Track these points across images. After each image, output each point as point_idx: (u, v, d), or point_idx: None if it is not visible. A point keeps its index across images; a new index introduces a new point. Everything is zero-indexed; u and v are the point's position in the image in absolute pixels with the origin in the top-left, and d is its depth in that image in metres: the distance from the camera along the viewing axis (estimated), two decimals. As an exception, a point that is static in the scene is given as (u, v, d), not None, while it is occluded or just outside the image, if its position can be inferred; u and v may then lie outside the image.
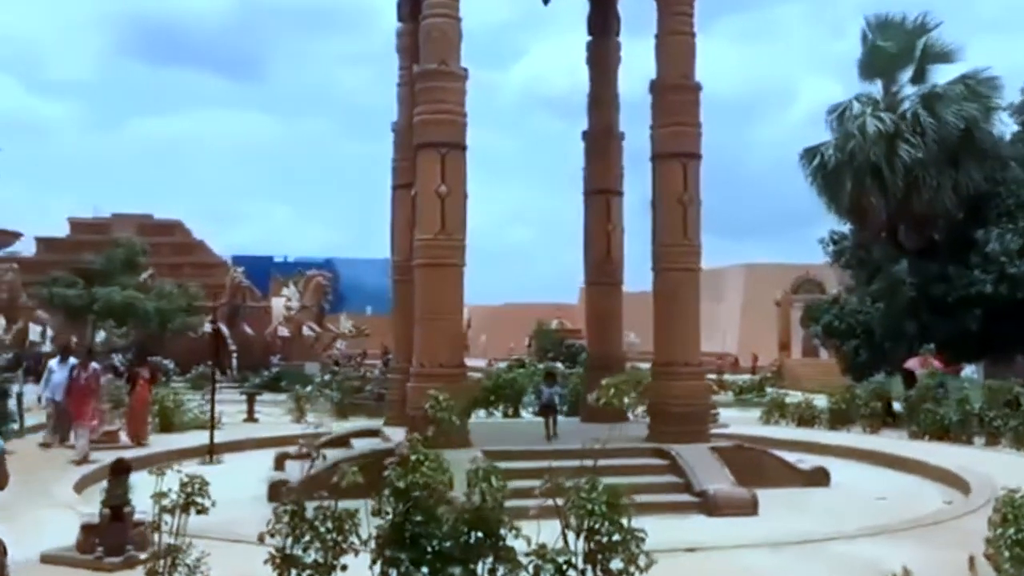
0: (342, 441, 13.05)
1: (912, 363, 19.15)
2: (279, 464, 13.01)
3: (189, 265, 47.68)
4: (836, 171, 22.47)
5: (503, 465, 9.83)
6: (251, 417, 20.29)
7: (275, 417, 20.27)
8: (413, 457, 5.15)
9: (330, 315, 44.85)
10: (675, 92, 12.32)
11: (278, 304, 40.81)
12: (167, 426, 16.60)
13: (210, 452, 13.42)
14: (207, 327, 39.29)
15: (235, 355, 36.30)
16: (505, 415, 19.91)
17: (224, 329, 40.23)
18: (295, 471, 10.70)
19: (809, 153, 23.29)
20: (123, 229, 48.16)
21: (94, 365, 14.45)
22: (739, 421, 19.21)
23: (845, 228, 25.44)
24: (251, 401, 20.72)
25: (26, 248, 47.87)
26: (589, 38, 15.24)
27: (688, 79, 12.36)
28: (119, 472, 7.69)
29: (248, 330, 40.61)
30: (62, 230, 48.86)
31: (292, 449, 12.84)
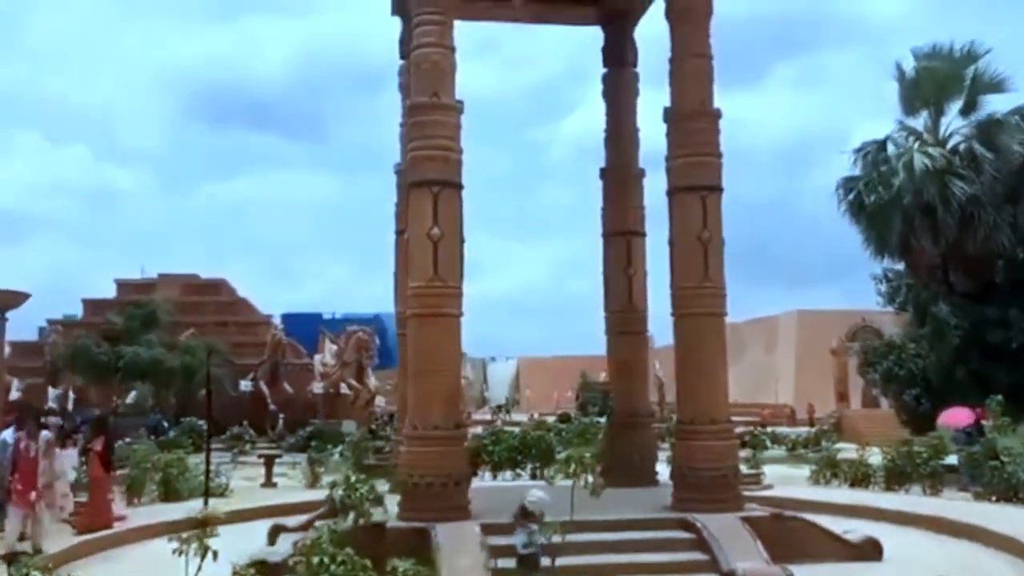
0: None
1: (954, 415, 17.58)
2: (272, 538, 11.94)
3: (233, 323, 47.41)
4: (882, 209, 21.11)
5: (503, 542, 8.89)
6: (269, 482, 19.36)
7: (297, 481, 19.29)
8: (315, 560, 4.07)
9: (377, 371, 44.14)
10: (692, 120, 11.23)
11: (320, 361, 40.24)
12: (172, 495, 15.63)
13: (200, 525, 12.36)
14: (245, 386, 38.99)
15: (281, 416, 35.58)
16: (533, 475, 18.64)
17: (264, 388, 39.91)
18: (287, 546, 9.71)
19: (847, 183, 21.96)
20: (168, 289, 48.31)
21: (45, 433, 11.92)
22: (787, 481, 17.66)
23: (901, 266, 23.97)
24: (269, 464, 19.80)
25: (76, 310, 48.44)
26: (604, 70, 14.32)
27: (706, 105, 11.27)
28: None
29: (288, 388, 40.09)
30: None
31: (292, 520, 11.87)
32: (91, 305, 45.01)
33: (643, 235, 13.87)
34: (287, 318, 61.57)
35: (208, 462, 13.73)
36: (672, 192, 11.38)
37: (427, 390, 10.30)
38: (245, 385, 37.97)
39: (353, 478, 7.67)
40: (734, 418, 11.65)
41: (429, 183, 10.43)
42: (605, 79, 14.33)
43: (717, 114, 11.41)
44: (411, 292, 10.49)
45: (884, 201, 21.43)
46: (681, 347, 11.20)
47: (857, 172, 22.93)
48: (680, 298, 11.17)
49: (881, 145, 22.84)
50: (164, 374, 28.92)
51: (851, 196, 22.82)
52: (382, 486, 13.18)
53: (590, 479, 5.98)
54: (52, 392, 32.89)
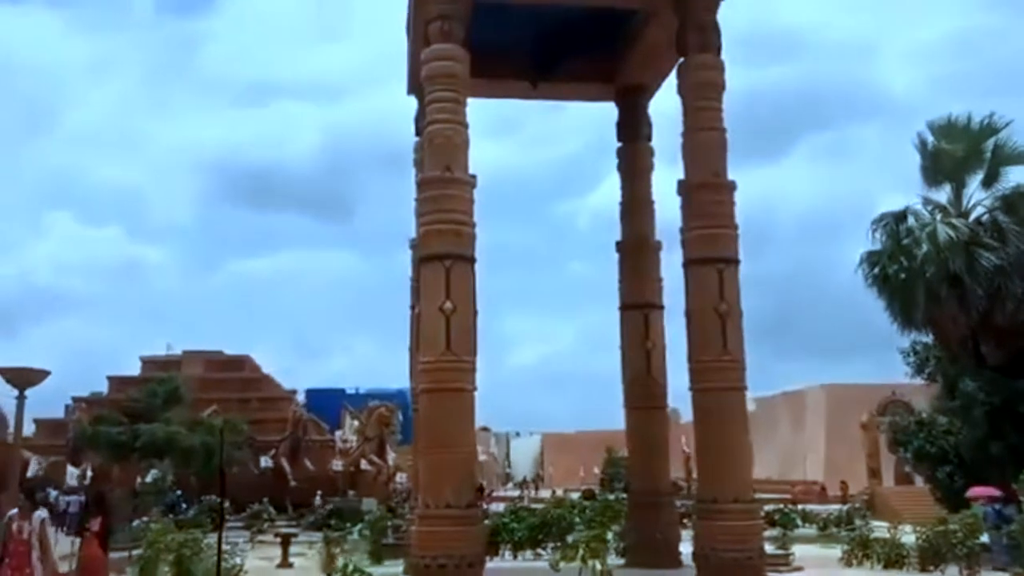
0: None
1: (982, 491, 17.00)
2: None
3: (256, 400, 47.35)
4: (906, 281, 20.78)
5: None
6: (285, 562, 18.95)
7: (315, 561, 18.87)
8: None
9: (401, 447, 43.76)
10: (706, 191, 11.16)
11: (340, 438, 39.95)
12: (183, 577, 15.25)
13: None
14: (265, 463, 38.69)
15: (319, 493, 35.06)
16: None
17: (285, 464, 39.59)
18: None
19: (871, 257, 21.68)
20: (192, 366, 48.48)
21: (39, 514, 10.70)
22: (818, 562, 17.02)
23: (928, 338, 23.47)
24: (285, 544, 19.42)
25: (97, 387, 48.63)
26: (619, 144, 14.38)
27: (720, 176, 11.21)
28: None
29: (309, 465, 39.72)
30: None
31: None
32: (116, 382, 45.19)
33: (661, 308, 13.71)
34: (311, 394, 61.48)
35: (221, 542, 13.45)
36: (688, 264, 11.25)
37: (439, 467, 10.07)
38: (265, 462, 37.74)
39: (351, 567, 7.35)
40: (762, 495, 11.29)
41: (441, 257, 10.39)
42: (620, 153, 14.38)
43: (732, 186, 11.34)
44: (423, 367, 10.35)
45: (908, 273, 21.11)
46: (701, 422, 10.92)
47: (877, 244, 22.66)
48: (698, 372, 10.93)
49: (901, 216, 22.64)
50: (182, 452, 28.75)
51: (875, 269, 22.51)
52: (398, 567, 12.82)
53: (599, 566, 5.66)
54: (71, 470, 32.79)
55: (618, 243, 14.16)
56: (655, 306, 13.67)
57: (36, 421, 46.40)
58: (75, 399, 42.44)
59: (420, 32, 11.58)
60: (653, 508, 13.01)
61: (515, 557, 18.05)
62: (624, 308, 13.89)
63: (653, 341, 13.50)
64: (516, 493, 48.23)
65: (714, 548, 10.31)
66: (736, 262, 11.15)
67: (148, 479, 29.77)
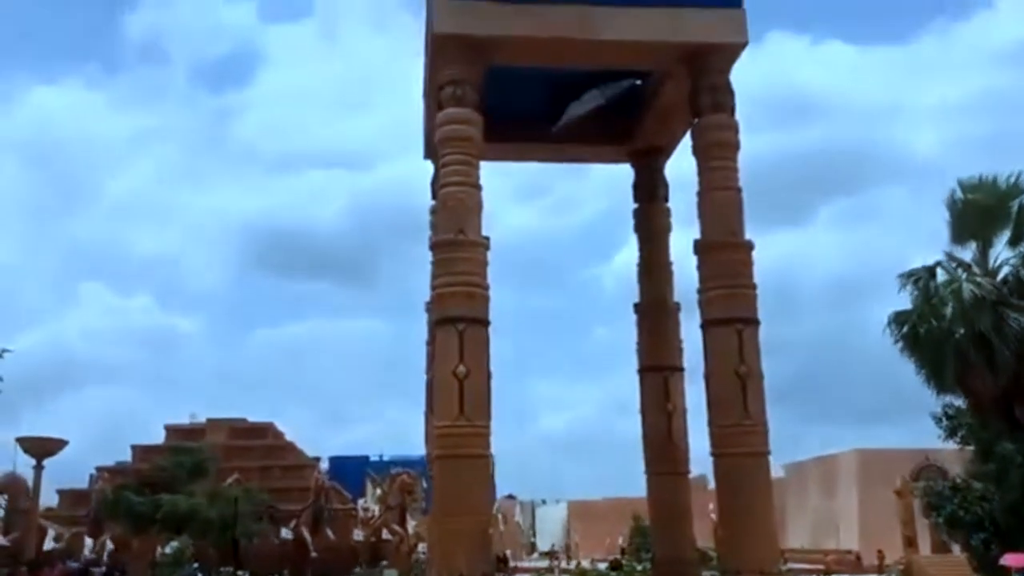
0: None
1: (1015, 559, 16.33)
2: None
3: (279, 468, 47.14)
4: (936, 342, 20.39)
5: None
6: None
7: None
8: None
9: (425, 516, 43.15)
10: (723, 251, 11.01)
11: (361, 506, 39.48)
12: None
13: None
14: (285, 533, 38.21)
15: (360, 563, 34.39)
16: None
17: (306, 534, 39.07)
18: None
19: (899, 318, 21.33)
20: (216, 434, 48.44)
21: None
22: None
23: (960, 401, 22.91)
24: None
25: (123, 456, 48.56)
26: (636, 205, 14.31)
27: (736, 236, 11.07)
28: None
29: (331, 535, 39.19)
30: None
31: None
32: (140, 451, 45.20)
33: (681, 370, 13.44)
34: (335, 461, 61.12)
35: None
36: (706, 325, 11.04)
37: (453, 535, 9.80)
38: (285, 533, 37.29)
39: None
40: (794, 565, 10.87)
41: (454, 320, 10.26)
42: (636, 214, 14.31)
43: (749, 245, 11.19)
44: (437, 432, 10.15)
45: (937, 333, 20.74)
46: (723, 489, 10.59)
47: (906, 299, 22.36)
48: (719, 436, 10.64)
49: (931, 272, 22.35)
50: (201, 524, 28.44)
51: (904, 329, 22.16)
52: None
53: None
54: (89, 542, 32.60)
55: (636, 305, 13.98)
56: (675, 368, 13.41)
57: (59, 491, 46.36)
58: (99, 468, 42.41)
59: (434, 97, 11.66)
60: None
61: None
62: (643, 371, 13.64)
63: (674, 404, 13.21)
64: (543, 563, 47.23)
65: (739, 621, 9.89)
66: (756, 322, 10.93)
67: (168, 551, 29.44)
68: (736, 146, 11.54)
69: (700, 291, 11.20)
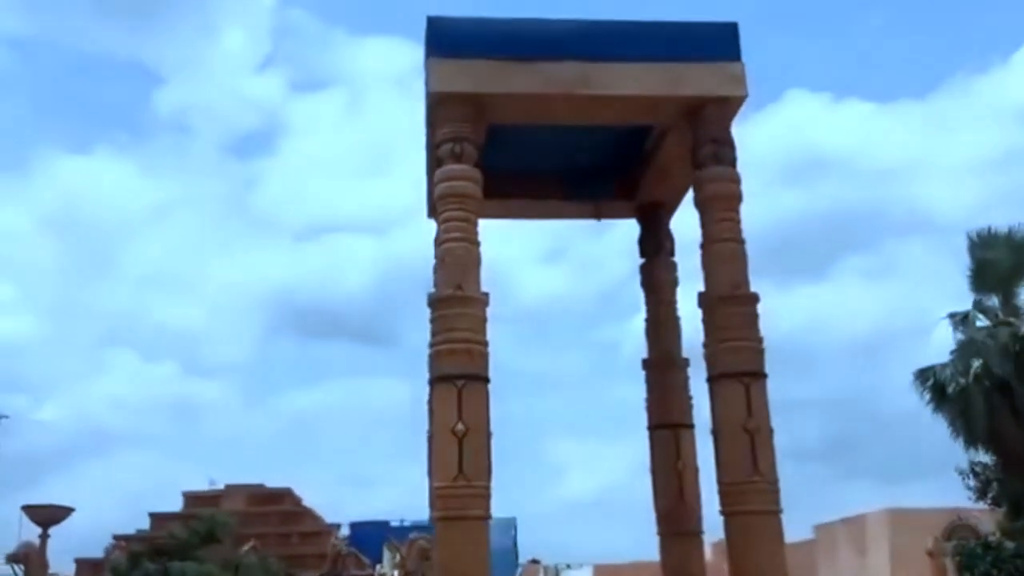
0: None
1: None
2: None
3: (297, 534, 46.68)
4: (963, 396, 19.97)
5: None
6: None
7: None
8: None
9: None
10: (727, 304, 10.83)
11: (378, 573, 38.88)
12: None
13: None
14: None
15: None
16: None
17: (324, 602, 38.43)
18: None
19: (924, 374, 20.94)
20: (234, 500, 48.12)
21: None
22: None
23: (988, 458, 22.35)
24: None
25: (142, 523, 48.34)
26: (641, 260, 14.17)
27: (740, 288, 10.89)
28: None
29: (348, 602, 38.54)
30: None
31: None
32: (157, 519, 44.93)
33: (691, 427, 13.12)
34: (355, 526, 60.46)
35: None
36: (712, 380, 10.81)
37: (452, 601, 9.48)
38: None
39: None
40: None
41: (453, 377, 10.10)
42: (643, 269, 14.14)
43: (754, 298, 11.00)
44: (436, 493, 9.91)
45: (964, 388, 20.33)
46: (733, 549, 10.23)
47: (933, 351, 22.02)
48: (728, 495, 10.32)
49: (964, 319, 22.04)
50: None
51: (929, 383, 21.79)
52: None
53: None
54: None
55: (644, 361, 13.74)
56: (685, 425, 13.09)
57: (77, 560, 46.10)
58: (116, 537, 42.15)
59: (433, 155, 11.67)
60: (691, 645, 12.09)
61: None
62: (653, 428, 13.34)
63: (684, 462, 12.86)
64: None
65: None
66: (763, 376, 10.69)
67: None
68: (738, 198, 11.44)
69: (705, 345, 11.00)
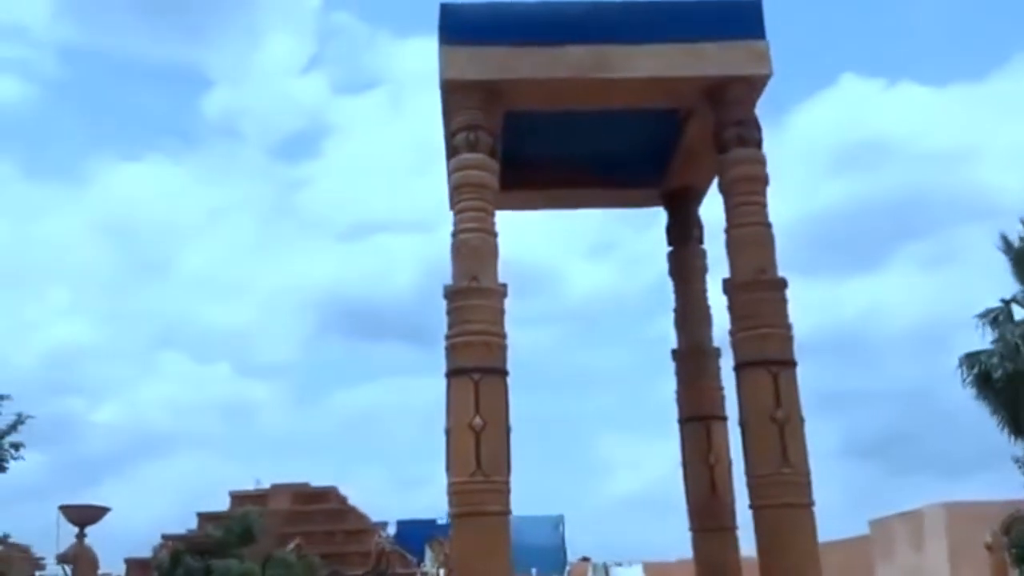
0: None
1: None
2: None
3: (342, 532, 46.97)
4: (1011, 383, 19.22)
5: None
6: None
7: None
8: None
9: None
10: (753, 290, 10.44)
11: (420, 571, 38.93)
12: None
13: None
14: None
15: None
16: None
17: (369, 600, 38.57)
18: None
19: (970, 360, 20.19)
20: (279, 499, 48.57)
21: None
22: None
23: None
24: None
25: (192, 523, 48.93)
26: (669, 248, 13.80)
27: (767, 273, 10.49)
28: None
29: (393, 600, 38.66)
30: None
31: None
32: (205, 518, 45.46)
33: (723, 419, 12.69)
34: (402, 524, 60.55)
35: None
36: (738, 368, 10.43)
37: (471, 599, 9.25)
38: (346, 598, 37.00)
39: None
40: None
41: (469, 371, 9.87)
42: (671, 258, 13.78)
43: (782, 283, 10.58)
44: (452, 489, 9.69)
45: (1011, 375, 19.57)
46: (763, 543, 9.85)
47: (986, 340, 21.23)
48: (757, 488, 9.95)
49: (1005, 313, 21.21)
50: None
51: (975, 371, 21.03)
52: None
53: None
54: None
55: (674, 351, 13.39)
56: (717, 417, 12.68)
57: (127, 560, 46.92)
58: (164, 536, 42.76)
59: (450, 145, 11.44)
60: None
61: None
62: (684, 421, 12.98)
63: (716, 456, 12.48)
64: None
65: None
66: (792, 364, 10.28)
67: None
68: (765, 180, 11.03)
69: (731, 333, 10.62)
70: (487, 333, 10.07)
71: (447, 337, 10.27)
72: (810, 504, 9.84)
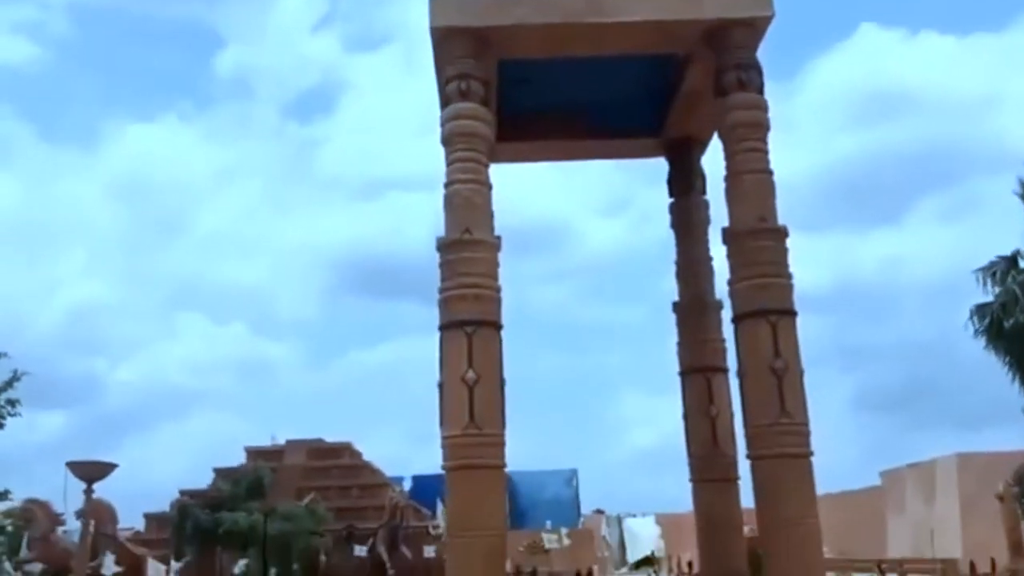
0: None
1: None
2: None
3: (356, 487, 47.46)
4: (1018, 334, 18.97)
5: None
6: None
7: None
8: None
9: (512, 531, 42.85)
10: (753, 237, 10.23)
11: (432, 525, 39.37)
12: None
13: None
14: (360, 551, 38.34)
15: None
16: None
17: (383, 552, 39.07)
18: None
19: (981, 311, 19.91)
20: (295, 455, 49.07)
21: None
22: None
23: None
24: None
25: (208, 479, 49.55)
26: (671, 199, 13.57)
27: (767, 221, 10.27)
28: None
29: (407, 552, 39.09)
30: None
31: None
32: (220, 473, 45.99)
33: (724, 371, 12.58)
34: (418, 479, 61.19)
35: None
36: (737, 319, 10.27)
37: (464, 553, 9.24)
38: (360, 551, 37.46)
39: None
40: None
41: (462, 324, 9.75)
42: (672, 209, 13.57)
43: (782, 232, 10.37)
44: (445, 442, 9.63)
45: (1021, 325, 19.29)
46: (761, 493, 9.76)
47: (989, 293, 20.91)
48: (755, 437, 9.84)
49: (1012, 262, 20.85)
50: (272, 541, 28.82)
51: (986, 322, 20.75)
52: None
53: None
54: (151, 566, 33.48)
55: (674, 304, 13.23)
56: (718, 369, 12.57)
57: (145, 515, 47.67)
58: (181, 492, 43.34)
59: (442, 96, 11.19)
60: (725, 593, 11.70)
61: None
62: (684, 373, 12.87)
63: (718, 408, 12.38)
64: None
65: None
66: (792, 314, 10.11)
67: (236, 570, 29.77)
68: (766, 126, 10.76)
69: (730, 283, 10.44)
70: (480, 286, 9.94)
71: (440, 290, 10.15)
72: (808, 454, 9.72)
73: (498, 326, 9.98)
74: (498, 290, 10.10)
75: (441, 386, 9.90)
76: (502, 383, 9.86)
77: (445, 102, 10.81)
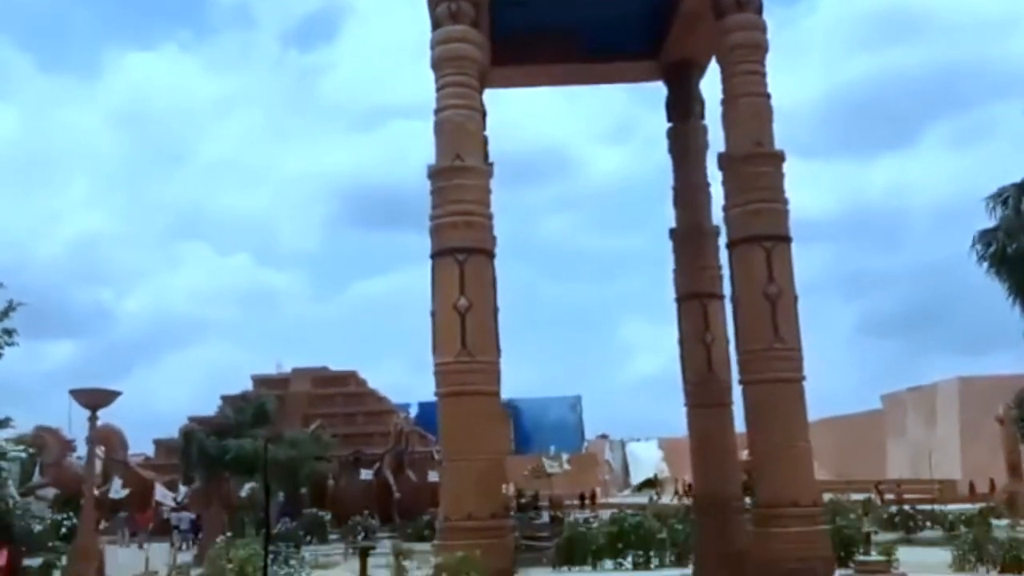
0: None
1: None
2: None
3: (362, 414, 48.02)
4: (1021, 260, 18.77)
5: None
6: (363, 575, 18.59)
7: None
8: None
9: (512, 457, 43.51)
10: (749, 163, 10.09)
11: (435, 449, 39.96)
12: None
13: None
14: (365, 475, 38.98)
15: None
16: (636, 565, 17.15)
17: (390, 476, 39.72)
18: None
19: (984, 237, 19.71)
20: (300, 383, 49.57)
21: None
22: (924, 567, 15.37)
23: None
24: (363, 557, 19.05)
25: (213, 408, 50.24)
26: (669, 124, 13.34)
27: (764, 146, 10.12)
28: None
29: (413, 476, 39.71)
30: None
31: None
32: (228, 401, 46.51)
33: (720, 297, 12.54)
34: (424, 406, 61.88)
35: (267, 556, 13.09)
36: (732, 245, 10.20)
37: (460, 476, 9.38)
38: (365, 475, 38.07)
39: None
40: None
41: (453, 251, 9.69)
42: (670, 134, 13.36)
43: (779, 156, 10.23)
44: (438, 369, 9.67)
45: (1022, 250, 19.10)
46: (753, 417, 9.83)
47: (996, 221, 20.65)
48: (748, 362, 9.88)
49: (1022, 188, 20.54)
50: (277, 467, 29.29)
51: (991, 248, 20.55)
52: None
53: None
54: (161, 491, 34.14)
55: (672, 230, 13.12)
56: (714, 295, 12.54)
57: (155, 441, 48.41)
58: (190, 418, 43.90)
59: (433, 18, 10.91)
60: (717, 514, 11.86)
61: (594, 567, 17.22)
62: (681, 299, 12.84)
63: (713, 334, 12.38)
64: (637, 499, 47.26)
65: (773, 559, 9.21)
66: (787, 240, 10.03)
67: (243, 494, 30.32)
68: (765, 47, 10.53)
69: (725, 208, 10.34)
70: (472, 213, 9.85)
71: (431, 218, 10.06)
72: (800, 378, 9.77)
73: (491, 253, 9.93)
74: (490, 217, 10.02)
75: (433, 314, 9.90)
76: (495, 310, 9.85)
77: (435, 25, 10.56)
